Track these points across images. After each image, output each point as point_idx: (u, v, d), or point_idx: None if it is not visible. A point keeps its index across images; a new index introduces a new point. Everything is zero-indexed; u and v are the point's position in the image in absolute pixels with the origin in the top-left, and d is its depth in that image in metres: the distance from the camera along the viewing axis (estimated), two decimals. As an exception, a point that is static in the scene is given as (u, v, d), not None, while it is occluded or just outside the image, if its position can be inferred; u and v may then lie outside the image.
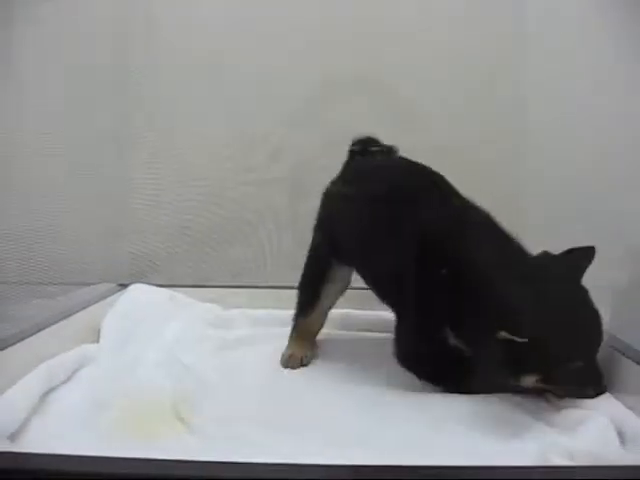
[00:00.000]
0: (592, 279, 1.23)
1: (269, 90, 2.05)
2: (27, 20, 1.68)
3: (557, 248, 1.42)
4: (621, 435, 1.11)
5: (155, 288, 1.93)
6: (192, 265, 2.07)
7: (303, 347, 1.56)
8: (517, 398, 1.26)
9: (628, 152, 1.55)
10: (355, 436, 1.14)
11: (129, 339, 1.63)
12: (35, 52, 1.72)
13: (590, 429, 1.09)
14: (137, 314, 1.75)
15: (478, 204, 1.39)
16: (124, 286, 1.95)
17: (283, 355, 1.55)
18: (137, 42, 2.06)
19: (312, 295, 1.56)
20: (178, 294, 1.92)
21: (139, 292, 1.89)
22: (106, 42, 2.01)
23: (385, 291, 1.47)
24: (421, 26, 2.04)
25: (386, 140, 2.02)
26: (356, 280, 1.60)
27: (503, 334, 1.13)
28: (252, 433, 1.15)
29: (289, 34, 2.04)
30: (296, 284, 1.61)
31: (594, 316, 1.20)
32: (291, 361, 1.53)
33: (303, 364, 1.53)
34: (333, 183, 1.61)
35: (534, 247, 1.94)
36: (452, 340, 1.28)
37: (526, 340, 1.12)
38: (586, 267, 1.24)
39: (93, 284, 1.91)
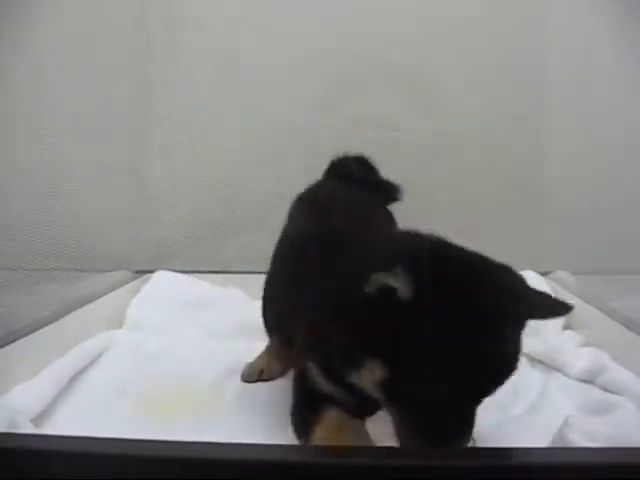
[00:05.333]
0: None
1: (287, 77, 2.04)
2: (49, 16, 1.68)
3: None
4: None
5: (180, 275, 1.94)
6: (209, 252, 2.07)
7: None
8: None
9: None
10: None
11: (155, 325, 1.66)
12: (58, 47, 1.73)
13: (618, 415, 1.08)
14: (163, 301, 1.77)
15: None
16: (141, 273, 1.96)
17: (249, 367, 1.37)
18: (156, 35, 2.06)
19: None
20: (202, 281, 1.92)
21: (164, 279, 1.91)
22: (127, 38, 2.01)
23: None
24: (441, 11, 2.02)
25: (406, 124, 2.03)
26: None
27: (380, 277, 0.79)
28: (269, 419, 1.16)
29: (314, 25, 2.03)
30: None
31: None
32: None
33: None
34: None
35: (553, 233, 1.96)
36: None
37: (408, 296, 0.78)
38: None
39: (108, 271, 1.91)
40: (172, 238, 2.08)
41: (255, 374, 1.34)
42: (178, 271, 1.96)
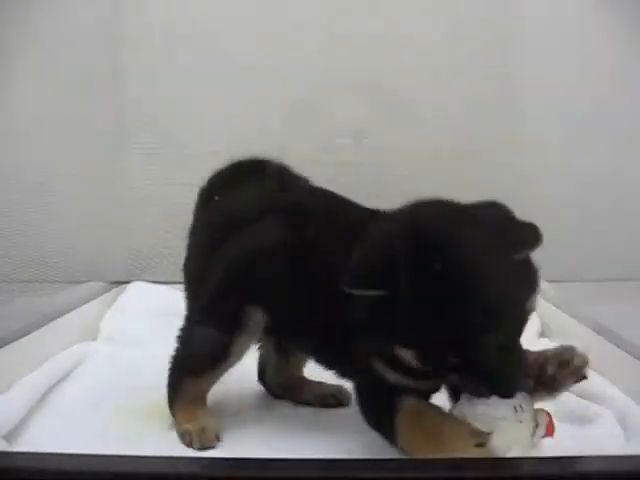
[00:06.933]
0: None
1: (267, 88, 2.04)
2: (23, 21, 1.67)
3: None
4: (626, 430, 1.11)
5: (156, 286, 1.92)
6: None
7: (207, 416, 1.18)
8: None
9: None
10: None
11: (130, 336, 1.64)
12: (33, 51, 1.72)
13: (597, 426, 1.09)
14: (138, 312, 1.76)
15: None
16: (117, 284, 1.94)
17: (187, 433, 1.12)
18: (134, 40, 2.05)
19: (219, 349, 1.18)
20: (179, 292, 1.90)
21: (139, 290, 1.89)
22: (103, 40, 2.00)
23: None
24: (420, 26, 2.04)
25: (382, 137, 2.03)
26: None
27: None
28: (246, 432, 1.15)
29: (288, 33, 2.03)
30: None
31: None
32: (206, 437, 1.12)
33: (218, 438, 1.14)
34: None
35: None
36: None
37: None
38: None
39: (84, 282, 1.89)
40: (150, 248, 2.06)
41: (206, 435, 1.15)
42: (156, 282, 1.95)
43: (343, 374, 1.17)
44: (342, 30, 2.02)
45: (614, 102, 1.90)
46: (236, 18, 2.04)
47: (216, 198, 1.29)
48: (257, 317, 1.16)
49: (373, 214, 1.12)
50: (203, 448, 1.10)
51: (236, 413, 1.25)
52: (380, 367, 1.01)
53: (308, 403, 1.31)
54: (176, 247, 2.02)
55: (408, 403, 0.98)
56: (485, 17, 2.04)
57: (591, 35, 1.89)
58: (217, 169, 1.32)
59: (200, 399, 1.20)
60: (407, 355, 0.92)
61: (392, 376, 1.00)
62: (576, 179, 1.93)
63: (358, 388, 1.10)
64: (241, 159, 1.31)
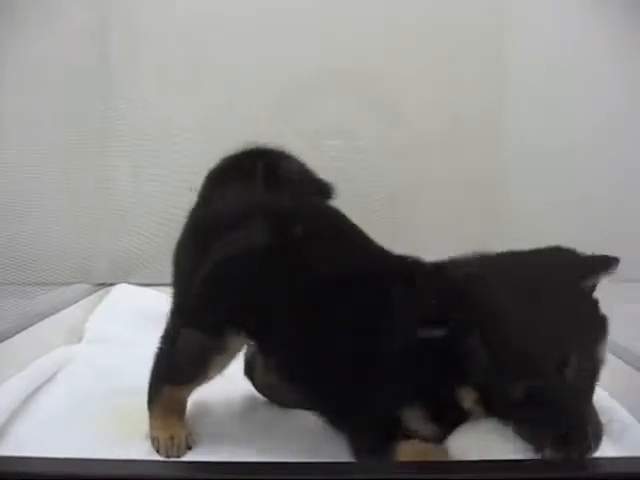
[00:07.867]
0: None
1: (250, 86, 2.03)
2: (7, 23, 1.66)
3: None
4: (611, 433, 1.11)
5: (141, 288, 1.91)
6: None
7: (179, 424, 1.15)
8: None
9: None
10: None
11: (114, 340, 1.63)
12: (16, 54, 1.70)
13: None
14: (122, 315, 1.75)
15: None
16: (102, 286, 1.93)
17: (155, 439, 1.12)
18: (118, 42, 2.04)
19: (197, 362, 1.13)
20: (165, 294, 1.89)
21: (125, 292, 1.88)
22: (88, 43, 1.98)
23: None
24: (402, 23, 2.03)
25: (371, 133, 2.02)
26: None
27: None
28: (233, 438, 1.14)
29: (270, 29, 2.01)
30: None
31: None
32: (174, 445, 1.11)
33: (189, 446, 1.13)
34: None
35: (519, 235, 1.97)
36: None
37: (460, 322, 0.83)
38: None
39: (70, 284, 1.88)
40: (135, 250, 2.05)
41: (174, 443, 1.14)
42: (141, 284, 1.94)
43: (335, 422, 1.05)
44: (331, 28, 2.01)
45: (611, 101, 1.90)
46: (222, 17, 2.03)
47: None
48: (239, 340, 1.12)
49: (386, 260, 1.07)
50: (168, 456, 1.09)
51: (219, 415, 1.25)
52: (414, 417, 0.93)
53: (295, 406, 1.29)
54: (162, 249, 2.04)
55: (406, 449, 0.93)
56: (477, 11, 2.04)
57: (586, 32, 1.90)
58: (227, 155, 1.26)
59: (177, 406, 1.17)
60: (472, 395, 0.86)
61: (424, 427, 0.93)
62: (565, 173, 1.93)
63: (356, 439, 1.00)
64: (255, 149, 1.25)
